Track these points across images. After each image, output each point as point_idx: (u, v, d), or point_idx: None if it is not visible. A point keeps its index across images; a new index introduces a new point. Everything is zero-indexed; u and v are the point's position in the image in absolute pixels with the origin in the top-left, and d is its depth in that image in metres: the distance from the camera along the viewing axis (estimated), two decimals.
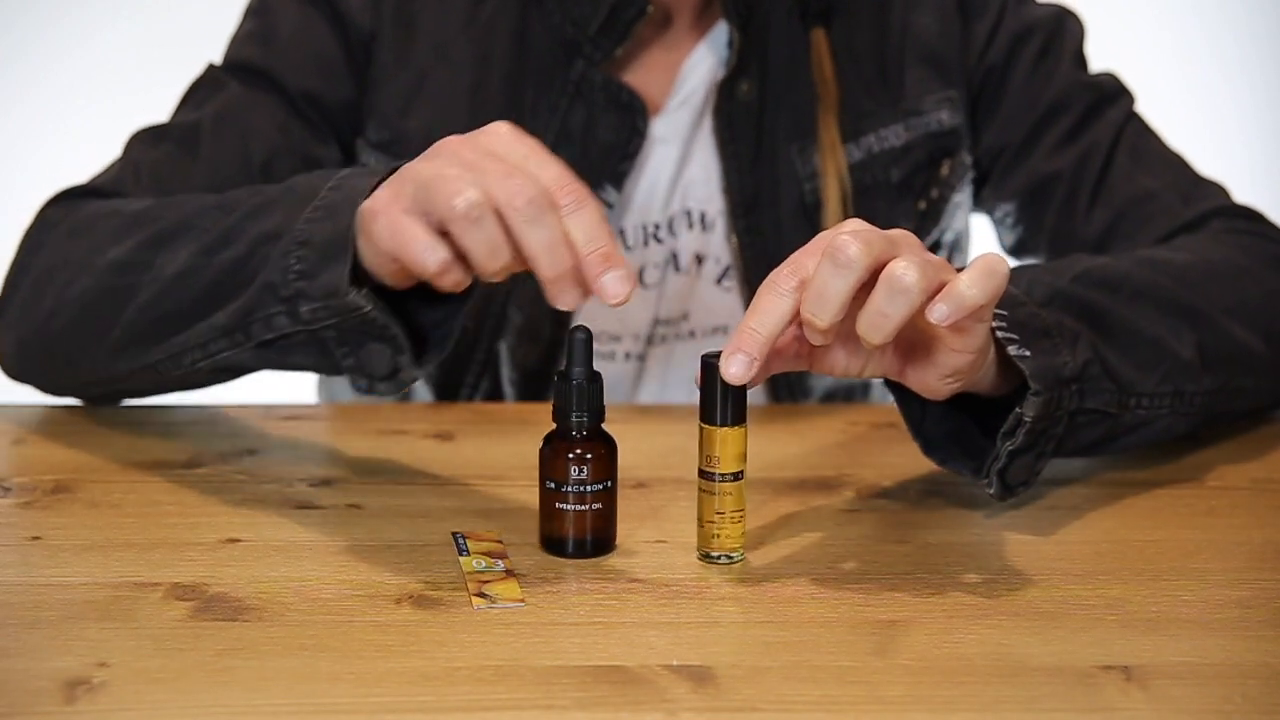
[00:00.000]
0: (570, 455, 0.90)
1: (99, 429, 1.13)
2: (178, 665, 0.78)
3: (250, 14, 1.28)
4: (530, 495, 1.01)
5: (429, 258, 0.85)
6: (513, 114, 1.24)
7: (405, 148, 1.25)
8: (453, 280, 0.87)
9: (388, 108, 1.26)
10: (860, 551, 0.94)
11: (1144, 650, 0.82)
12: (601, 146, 1.25)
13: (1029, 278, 1.01)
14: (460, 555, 0.91)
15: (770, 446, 1.09)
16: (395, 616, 0.84)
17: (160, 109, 1.30)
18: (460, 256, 0.86)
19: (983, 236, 1.40)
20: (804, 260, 0.87)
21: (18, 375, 1.16)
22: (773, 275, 0.87)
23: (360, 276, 0.92)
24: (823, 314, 0.85)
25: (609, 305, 0.84)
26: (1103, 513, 1.01)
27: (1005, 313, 0.95)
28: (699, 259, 1.28)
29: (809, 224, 1.27)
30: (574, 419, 0.90)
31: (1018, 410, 0.95)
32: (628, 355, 1.29)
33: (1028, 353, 0.95)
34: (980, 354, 0.91)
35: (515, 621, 0.84)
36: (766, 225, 1.27)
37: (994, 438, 0.96)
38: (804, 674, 0.79)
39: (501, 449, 1.11)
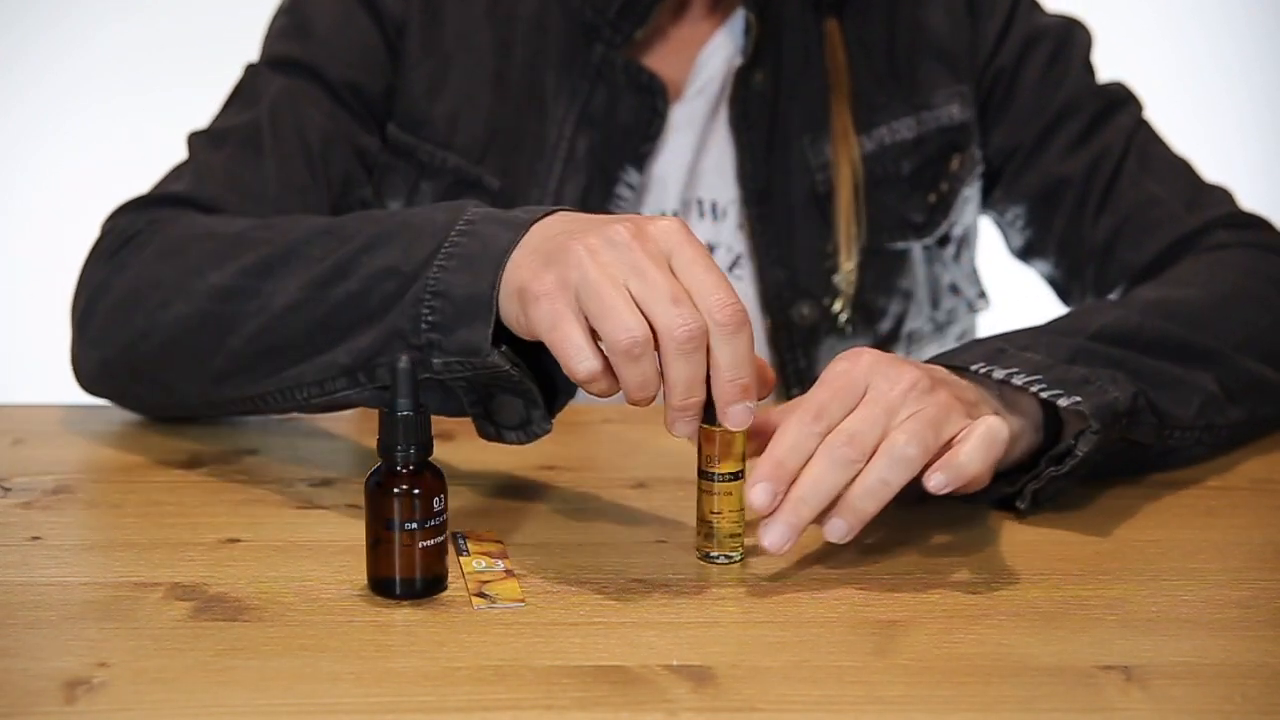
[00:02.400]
0: (397, 491, 0.85)
1: (99, 429, 1.13)
2: (178, 665, 0.78)
3: (283, 11, 1.29)
4: (531, 495, 1.01)
5: (580, 367, 0.85)
6: (535, 99, 1.26)
7: (431, 130, 1.27)
8: (598, 390, 0.86)
9: (414, 93, 1.27)
10: (860, 551, 0.94)
11: (1144, 650, 0.82)
12: (623, 129, 1.26)
13: (1045, 343, 1.02)
14: (460, 555, 0.91)
15: None
16: (395, 616, 0.84)
17: (160, 110, 1.30)
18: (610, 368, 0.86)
19: (989, 235, 1.40)
20: (832, 407, 0.89)
21: (97, 391, 1.14)
22: (799, 416, 0.88)
23: (498, 333, 0.90)
24: (810, 506, 0.87)
25: (729, 429, 0.86)
26: (1103, 513, 1.01)
27: (1040, 376, 0.97)
28: (711, 248, 1.29)
29: (820, 214, 1.29)
30: (399, 453, 0.85)
31: (1071, 442, 0.97)
32: None
33: (1079, 398, 0.96)
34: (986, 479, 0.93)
35: (515, 621, 0.84)
36: (778, 214, 1.29)
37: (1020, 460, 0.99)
38: (804, 674, 0.79)
39: (501, 449, 1.11)
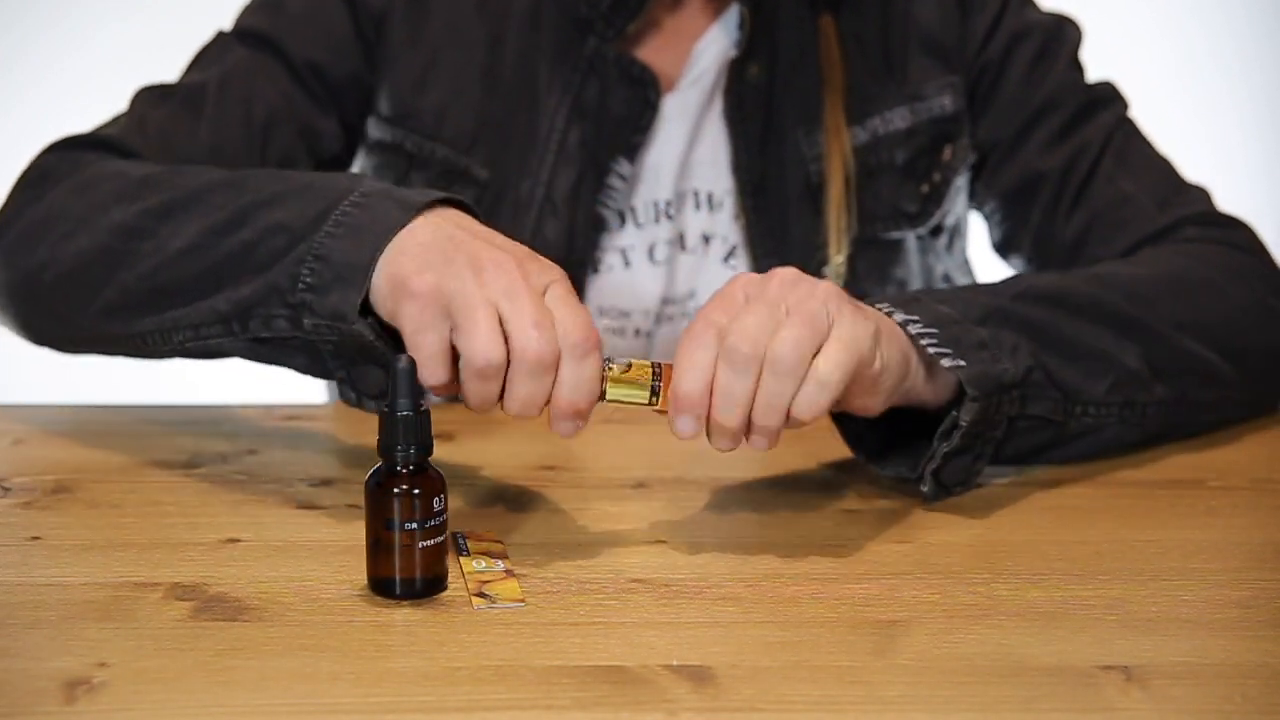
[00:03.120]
0: (397, 491, 0.85)
1: (99, 429, 1.13)
2: (178, 665, 0.78)
3: None
4: (531, 495, 1.01)
5: (429, 379, 0.89)
6: (527, 91, 1.26)
7: (418, 122, 1.28)
8: (436, 391, 0.90)
9: (400, 84, 1.28)
10: (860, 551, 0.94)
11: (1144, 650, 0.82)
12: (614, 120, 1.27)
13: (965, 299, 1.03)
14: (460, 555, 0.91)
15: None
16: (395, 616, 0.84)
17: None
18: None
19: (980, 227, 1.40)
20: (715, 314, 0.91)
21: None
22: (688, 333, 0.90)
23: (368, 304, 0.93)
24: (731, 417, 0.89)
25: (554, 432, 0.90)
26: (1103, 513, 1.01)
27: (936, 331, 0.98)
28: (706, 238, 1.30)
29: (813, 205, 1.29)
30: (399, 453, 0.85)
31: (954, 414, 0.98)
32: (637, 331, 1.30)
33: (963, 362, 0.97)
34: (887, 395, 0.96)
35: (515, 621, 0.84)
36: (773, 206, 1.29)
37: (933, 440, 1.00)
38: (804, 674, 0.79)
39: (501, 449, 1.11)
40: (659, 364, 0.91)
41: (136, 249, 1.04)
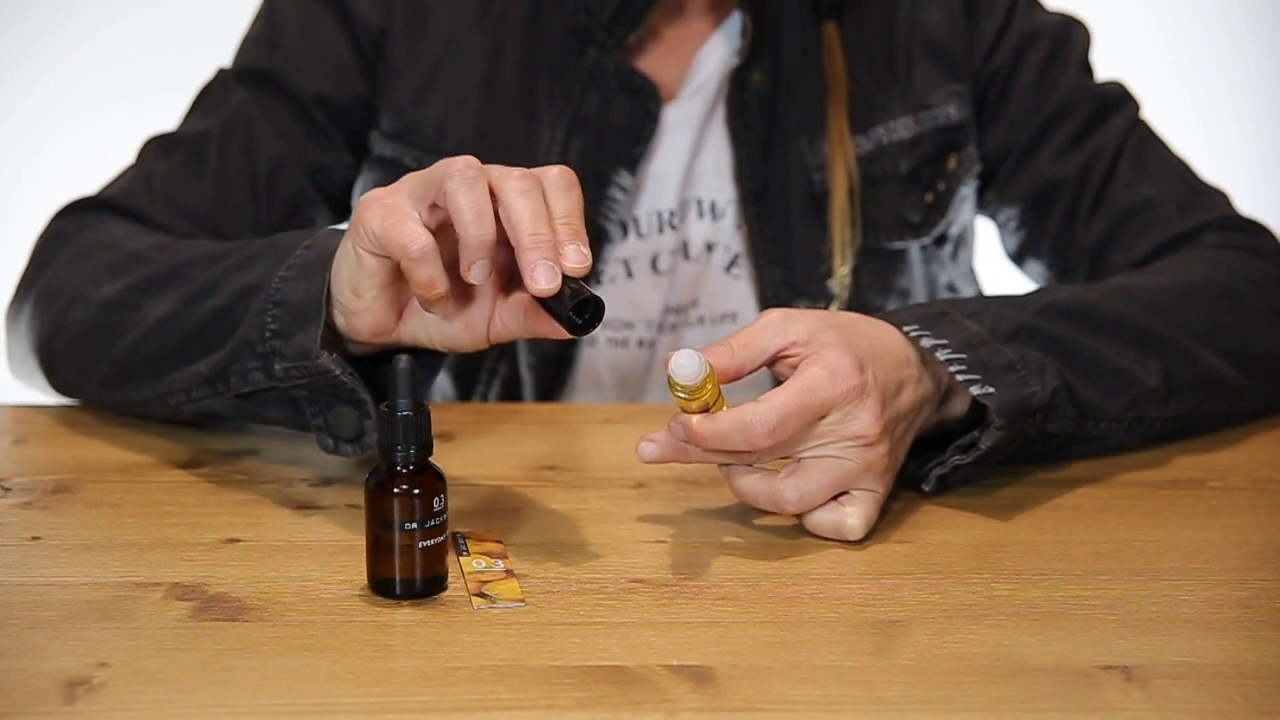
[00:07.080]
0: (397, 491, 0.85)
1: (99, 429, 1.13)
2: (178, 665, 0.78)
3: (259, 17, 1.30)
4: (531, 495, 1.01)
5: (413, 242, 0.86)
6: (526, 102, 1.26)
7: (419, 136, 1.27)
8: (425, 275, 0.86)
9: (401, 99, 1.27)
10: (860, 551, 0.94)
11: (1144, 650, 0.82)
12: (615, 131, 1.26)
13: (993, 314, 1.02)
14: (460, 555, 0.91)
15: None
16: (395, 616, 0.84)
17: (159, 112, 1.30)
18: (448, 266, 0.87)
19: (986, 233, 1.40)
20: (789, 428, 0.91)
21: (25, 380, 1.19)
22: (759, 422, 0.90)
23: (333, 340, 0.94)
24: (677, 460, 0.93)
25: (569, 269, 0.86)
26: (1103, 513, 1.01)
27: (965, 355, 0.97)
28: (709, 247, 1.30)
29: (817, 214, 1.29)
30: (399, 453, 0.85)
31: (975, 434, 0.98)
32: (640, 342, 1.30)
33: (992, 389, 0.97)
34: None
35: (515, 621, 0.84)
36: (776, 214, 1.29)
37: (938, 436, 1.00)
38: (804, 674, 0.79)
39: (502, 449, 1.11)
40: (716, 401, 0.90)
41: (122, 322, 1.07)
